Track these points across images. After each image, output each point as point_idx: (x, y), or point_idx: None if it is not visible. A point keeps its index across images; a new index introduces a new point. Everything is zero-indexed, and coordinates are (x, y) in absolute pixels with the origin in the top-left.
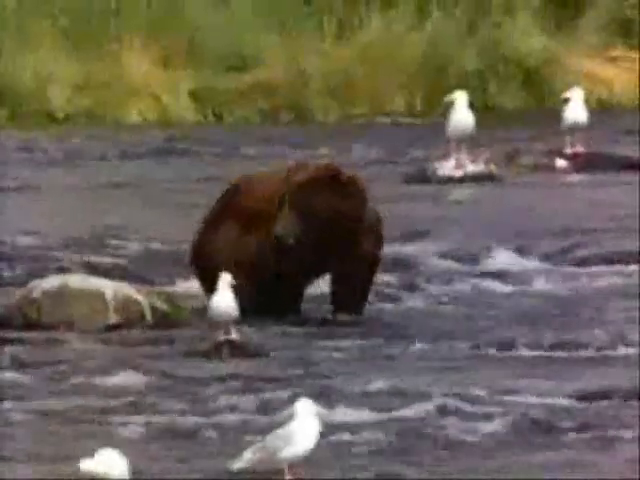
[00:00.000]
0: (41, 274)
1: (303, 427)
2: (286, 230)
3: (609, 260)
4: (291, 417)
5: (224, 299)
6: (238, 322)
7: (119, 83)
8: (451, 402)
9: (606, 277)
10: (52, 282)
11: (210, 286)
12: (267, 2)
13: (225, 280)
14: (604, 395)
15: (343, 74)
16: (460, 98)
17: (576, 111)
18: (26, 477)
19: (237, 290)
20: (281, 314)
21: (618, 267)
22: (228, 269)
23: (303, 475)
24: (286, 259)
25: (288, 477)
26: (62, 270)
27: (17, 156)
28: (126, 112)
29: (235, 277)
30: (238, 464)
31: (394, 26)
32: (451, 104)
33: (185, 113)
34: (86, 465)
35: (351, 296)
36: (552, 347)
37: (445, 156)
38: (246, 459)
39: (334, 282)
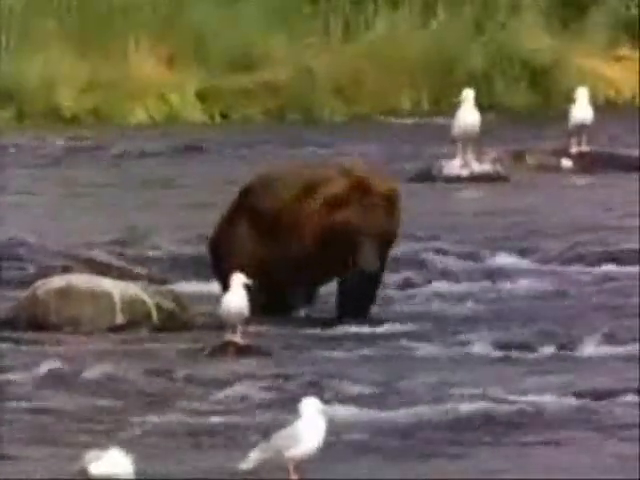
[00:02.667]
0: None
1: (309, 426)
2: (372, 262)
3: (614, 260)
4: (297, 416)
5: (235, 299)
6: (246, 322)
7: (126, 83)
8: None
9: (610, 276)
10: (58, 282)
11: (225, 284)
12: (273, 2)
13: (237, 280)
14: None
15: (349, 74)
16: (468, 96)
17: (582, 110)
18: (30, 477)
19: (247, 290)
20: (288, 314)
21: (623, 267)
22: (240, 269)
23: (309, 475)
24: (294, 270)
25: (294, 477)
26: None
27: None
28: (133, 112)
29: (246, 277)
30: (245, 464)
31: (400, 26)
32: (459, 103)
33: (192, 113)
34: (95, 469)
35: (357, 300)
36: (560, 347)
37: (451, 155)
38: (252, 459)
39: (340, 286)
